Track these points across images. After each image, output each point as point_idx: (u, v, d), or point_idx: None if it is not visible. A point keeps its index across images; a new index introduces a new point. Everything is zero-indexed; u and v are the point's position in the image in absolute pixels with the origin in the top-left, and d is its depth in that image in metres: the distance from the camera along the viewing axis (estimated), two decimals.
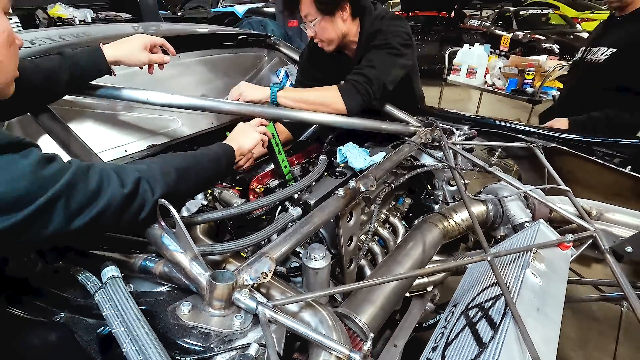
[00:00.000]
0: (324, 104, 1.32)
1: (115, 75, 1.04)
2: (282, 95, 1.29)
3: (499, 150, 1.40)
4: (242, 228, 1.22)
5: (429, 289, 1.33)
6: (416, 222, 1.36)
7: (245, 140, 1.03)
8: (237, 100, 1.28)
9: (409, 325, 1.26)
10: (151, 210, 0.69)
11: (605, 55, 1.47)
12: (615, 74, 1.47)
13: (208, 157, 0.87)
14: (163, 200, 0.68)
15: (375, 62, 1.33)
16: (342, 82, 1.35)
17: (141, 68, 1.10)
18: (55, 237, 0.55)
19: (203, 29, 1.68)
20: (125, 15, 8.77)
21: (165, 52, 1.17)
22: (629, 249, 0.99)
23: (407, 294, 1.27)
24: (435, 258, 1.31)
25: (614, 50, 1.45)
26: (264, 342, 0.61)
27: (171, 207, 0.67)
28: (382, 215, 1.39)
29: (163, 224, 0.71)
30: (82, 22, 7.78)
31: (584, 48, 1.66)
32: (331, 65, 1.55)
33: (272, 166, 1.37)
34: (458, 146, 1.44)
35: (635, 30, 1.40)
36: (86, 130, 1.11)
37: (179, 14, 7.88)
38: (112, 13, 8.97)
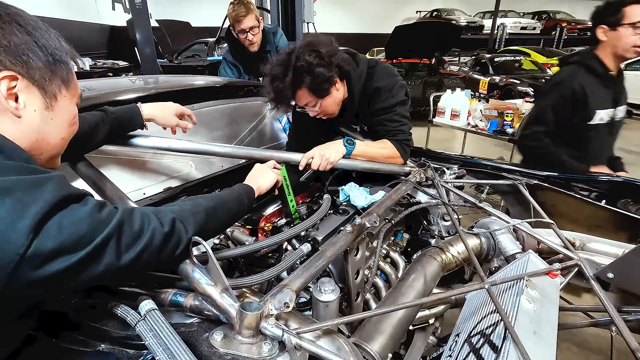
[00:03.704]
0: (390, 158, 1.54)
1: (147, 129, 1.17)
2: (356, 153, 1.46)
3: (487, 187, 1.53)
4: (250, 265, 1.28)
5: (431, 321, 1.38)
6: (415, 255, 1.44)
7: (263, 180, 1.12)
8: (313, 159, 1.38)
9: (414, 359, 1.30)
10: (185, 247, 0.77)
11: (626, 110, 1.81)
12: None
13: (232, 197, 0.95)
14: (197, 237, 0.76)
15: (402, 118, 1.55)
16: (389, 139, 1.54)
17: (164, 128, 1.27)
18: (106, 272, 0.61)
19: (215, 80, 1.83)
20: (122, 63, 9.09)
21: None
22: (610, 274, 1.08)
23: (411, 327, 1.32)
24: (435, 291, 1.38)
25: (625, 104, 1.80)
26: None
27: (205, 243, 0.74)
28: (383, 250, 1.47)
29: (195, 259, 0.78)
30: (81, 70, 8.06)
31: (603, 112, 1.75)
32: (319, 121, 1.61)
33: (277, 205, 1.47)
34: (450, 184, 1.57)
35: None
36: (108, 175, 1.19)
37: (175, 62, 8.12)
38: (110, 61, 9.31)
